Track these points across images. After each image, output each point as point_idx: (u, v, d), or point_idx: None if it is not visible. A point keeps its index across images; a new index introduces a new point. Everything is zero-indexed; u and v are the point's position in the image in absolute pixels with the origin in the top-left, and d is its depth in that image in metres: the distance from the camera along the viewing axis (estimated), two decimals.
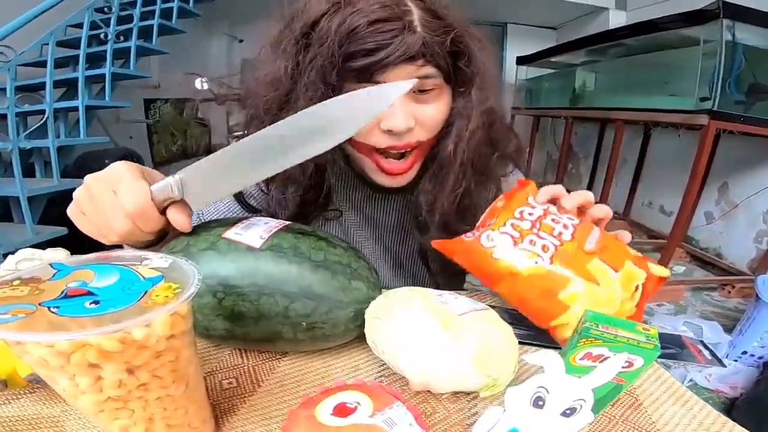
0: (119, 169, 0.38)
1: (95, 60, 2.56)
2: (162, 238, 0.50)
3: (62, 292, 0.27)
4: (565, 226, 0.49)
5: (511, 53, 4.38)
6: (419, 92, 0.50)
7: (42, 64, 2.16)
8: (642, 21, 2.39)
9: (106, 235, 0.40)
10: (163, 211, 0.40)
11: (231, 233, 0.43)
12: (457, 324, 0.39)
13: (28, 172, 2.14)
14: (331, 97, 0.46)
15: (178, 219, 0.39)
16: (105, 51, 2.46)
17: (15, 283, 0.28)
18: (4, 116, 2.15)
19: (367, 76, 0.47)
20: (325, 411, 0.32)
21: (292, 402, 0.41)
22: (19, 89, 2.01)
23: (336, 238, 0.48)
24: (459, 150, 0.52)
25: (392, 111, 0.48)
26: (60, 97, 2.56)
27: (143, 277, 0.29)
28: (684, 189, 2.09)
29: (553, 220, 0.50)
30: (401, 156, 0.54)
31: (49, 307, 0.26)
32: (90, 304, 0.26)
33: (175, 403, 0.31)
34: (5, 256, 1.65)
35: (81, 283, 0.29)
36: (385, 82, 0.47)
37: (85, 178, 0.39)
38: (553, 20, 4.43)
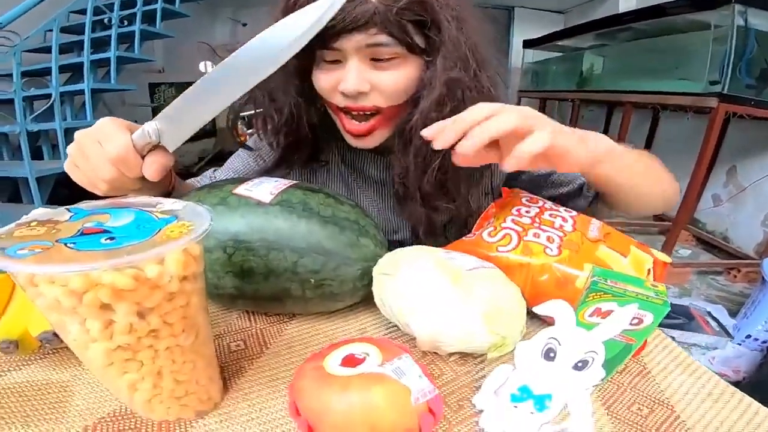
0: (104, 122, 0.42)
1: (99, 45, 2.54)
2: (167, 195, 0.54)
3: (78, 231, 0.28)
4: (564, 219, 0.50)
5: (519, 37, 4.32)
6: (376, 60, 0.51)
7: (46, 50, 2.17)
8: (652, 5, 2.35)
9: (96, 185, 0.43)
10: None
11: (241, 189, 0.43)
12: (466, 280, 0.39)
13: (36, 154, 2.18)
14: (298, 63, 0.52)
15: (148, 167, 0.42)
16: (109, 36, 2.47)
17: (32, 224, 0.29)
18: (11, 101, 2.19)
19: (323, 42, 0.49)
20: (334, 362, 0.32)
21: (299, 363, 0.41)
22: (24, 74, 2.03)
23: (343, 196, 0.48)
24: (423, 121, 0.51)
25: (346, 74, 0.51)
26: (65, 81, 2.56)
27: (158, 217, 0.30)
28: (691, 172, 2.07)
29: (551, 214, 0.51)
30: (363, 118, 0.55)
31: (65, 243, 0.26)
32: (105, 240, 0.27)
33: (184, 356, 0.31)
34: None
35: (97, 223, 0.29)
36: (340, 50, 0.50)
37: (75, 134, 0.43)
38: (562, 4, 4.35)
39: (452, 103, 0.51)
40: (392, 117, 0.56)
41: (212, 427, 0.34)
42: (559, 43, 3.47)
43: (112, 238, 0.27)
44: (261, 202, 0.42)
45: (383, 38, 0.49)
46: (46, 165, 2.19)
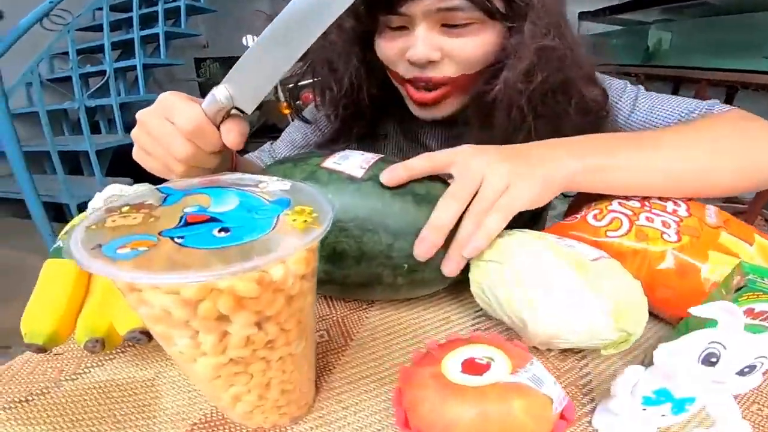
0: (167, 97, 0.38)
1: (146, 22, 2.57)
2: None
3: (181, 219, 0.23)
4: (676, 203, 0.44)
5: (573, 7, 4.05)
6: (448, 26, 0.46)
7: (95, 29, 2.23)
8: None
9: (171, 167, 0.39)
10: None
11: (329, 163, 0.39)
12: (592, 270, 0.34)
13: (94, 129, 2.28)
14: (360, 30, 0.49)
15: (227, 135, 0.37)
16: (155, 12, 2.49)
17: (124, 209, 0.24)
18: (68, 78, 2.25)
19: (388, 6, 0.45)
20: (454, 368, 0.28)
21: (386, 357, 0.39)
22: (78, 52, 2.10)
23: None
24: (507, 93, 0.47)
25: (414, 40, 0.46)
26: (117, 58, 2.62)
27: (267, 201, 0.25)
28: None
29: (660, 197, 0.44)
30: (432, 87, 0.51)
31: (172, 238, 0.21)
32: (219, 232, 0.22)
33: (294, 364, 0.28)
34: (79, 207, 1.77)
35: (198, 207, 0.24)
36: (408, 15, 0.45)
37: (136, 115, 0.39)
38: None
39: (543, 73, 0.45)
40: (464, 87, 0.51)
41: (321, 411, 0.33)
42: (620, 16, 3.27)
43: (225, 230, 0.22)
44: (353, 178, 0.38)
45: (458, 1, 0.44)
46: (104, 139, 2.28)
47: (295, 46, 0.35)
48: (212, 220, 0.23)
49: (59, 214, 2.18)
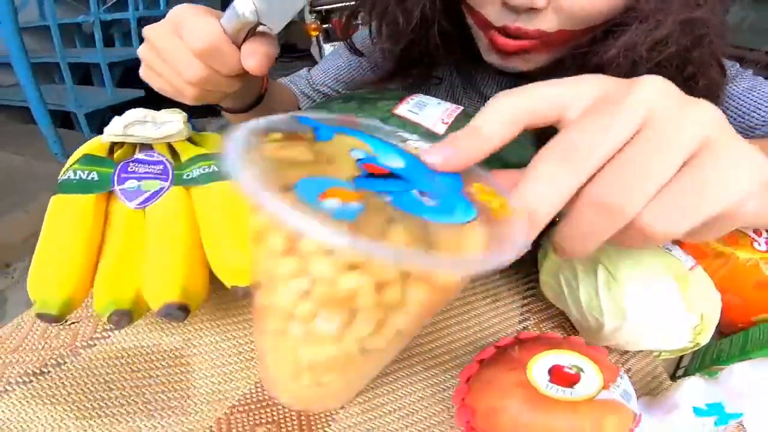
0: (179, 10, 0.32)
1: None
2: (260, 99, 0.46)
3: (360, 169, 0.17)
4: None
5: None
6: None
7: None
8: None
9: (182, 91, 0.34)
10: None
11: (403, 110, 0.32)
12: (691, 283, 0.30)
13: (108, 42, 2.26)
14: None
15: (248, 57, 0.31)
16: None
17: (275, 136, 0.18)
18: None
19: None
20: (541, 376, 0.24)
21: (434, 335, 0.35)
22: None
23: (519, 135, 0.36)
24: (627, 59, 0.38)
25: None
26: None
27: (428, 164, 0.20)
28: None
29: None
30: (519, 37, 0.41)
31: (376, 193, 0.16)
32: (420, 195, 0.17)
33: (390, 358, 0.27)
34: (86, 116, 1.75)
35: (367, 155, 0.19)
36: None
37: (143, 31, 0.33)
38: None
39: (676, 46, 0.37)
40: (557, 45, 0.42)
41: (355, 419, 0.29)
42: None
43: (428, 195, 0.17)
44: (433, 133, 0.31)
45: None
46: (117, 52, 2.27)
47: None
48: (394, 176, 0.18)
49: (66, 122, 2.17)
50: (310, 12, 2.11)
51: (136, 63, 0.36)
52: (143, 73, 0.36)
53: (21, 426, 0.27)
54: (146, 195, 0.32)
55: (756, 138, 0.34)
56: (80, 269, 0.28)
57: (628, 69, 0.38)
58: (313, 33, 2.13)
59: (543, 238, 0.34)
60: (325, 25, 2.08)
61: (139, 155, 0.34)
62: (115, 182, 0.32)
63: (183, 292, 0.27)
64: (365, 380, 0.29)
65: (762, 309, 0.37)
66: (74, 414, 0.27)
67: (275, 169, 0.15)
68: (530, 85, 0.20)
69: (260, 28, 0.31)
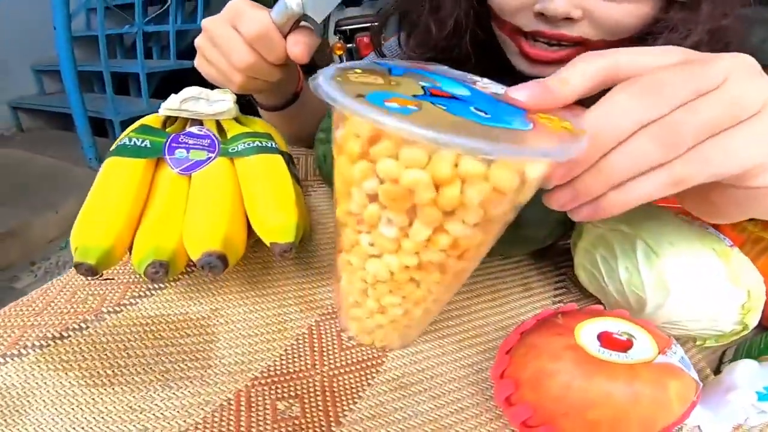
0: (234, 3, 0.36)
1: None
2: (295, 97, 0.49)
3: (425, 90, 0.20)
4: None
5: None
6: None
7: None
8: None
9: (230, 77, 0.37)
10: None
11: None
12: (733, 258, 0.30)
13: (147, 54, 2.29)
14: None
15: (293, 46, 0.35)
16: None
17: (357, 70, 0.21)
18: (125, 6, 2.26)
19: None
20: (590, 342, 0.23)
21: (464, 318, 0.35)
22: None
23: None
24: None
25: None
26: None
27: (498, 100, 0.21)
28: None
29: None
30: (558, 46, 0.42)
31: (432, 103, 0.18)
32: (476, 110, 0.18)
33: (458, 283, 0.27)
34: (122, 123, 1.82)
35: (433, 85, 0.21)
36: None
37: (202, 22, 0.37)
38: None
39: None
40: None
41: (382, 397, 0.28)
42: None
43: (484, 111, 0.18)
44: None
45: None
46: (155, 63, 2.33)
47: None
48: (457, 98, 0.20)
49: (101, 130, 2.26)
50: (335, 33, 2.18)
51: (170, 74, 0.40)
52: (197, 62, 0.39)
53: (25, 392, 0.25)
54: (192, 162, 0.34)
55: None
56: (124, 223, 0.29)
57: None
58: (338, 52, 2.18)
59: (576, 223, 0.34)
60: (348, 45, 2.14)
61: (190, 129, 0.36)
62: (166, 150, 0.34)
63: (224, 243, 0.28)
64: (421, 315, 0.28)
65: None
66: (85, 381, 0.26)
67: (354, 87, 0.18)
68: (617, 49, 0.21)
69: (302, 23, 0.34)
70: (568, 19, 0.38)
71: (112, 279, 0.33)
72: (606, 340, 0.24)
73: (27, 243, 1.54)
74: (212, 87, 0.39)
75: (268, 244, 0.30)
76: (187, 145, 0.35)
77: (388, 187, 0.19)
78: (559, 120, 0.19)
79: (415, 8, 0.49)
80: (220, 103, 0.37)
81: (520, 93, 0.20)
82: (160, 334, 0.30)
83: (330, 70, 0.20)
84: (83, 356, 0.28)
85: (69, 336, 0.29)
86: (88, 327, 0.29)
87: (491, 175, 0.17)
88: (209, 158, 0.34)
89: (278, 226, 0.29)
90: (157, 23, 2.30)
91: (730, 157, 0.19)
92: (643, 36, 0.39)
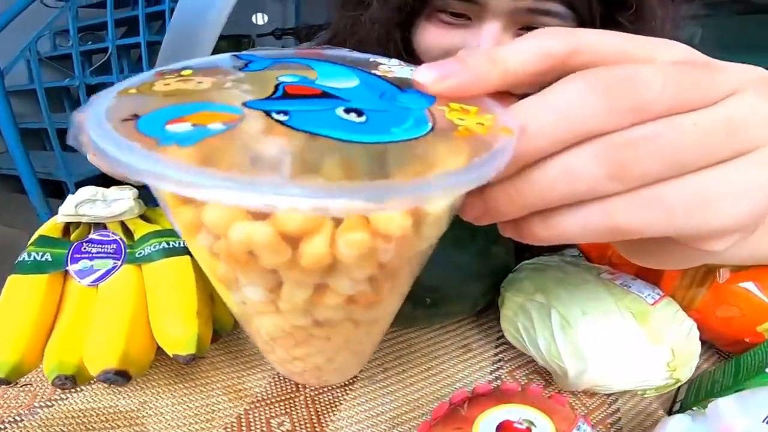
0: None
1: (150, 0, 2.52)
2: None
3: (277, 89, 0.14)
4: None
5: None
6: (528, 29, 0.35)
7: (101, 5, 2.15)
8: None
9: None
10: None
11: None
12: (654, 319, 0.30)
13: None
14: (406, 9, 0.37)
15: None
16: None
17: (184, 72, 0.15)
18: (67, 56, 2.20)
19: None
20: None
21: (400, 392, 0.35)
22: (81, 29, 2.08)
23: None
24: None
25: (479, 39, 0.36)
26: (121, 35, 2.55)
27: (401, 87, 0.15)
28: None
29: None
30: None
31: (267, 112, 0.12)
32: (347, 113, 0.13)
33: (381, 325, 0.24)
34: (76, 185, 1.76)
35: (301, 78, 0.15)
36: (481, 5, 0.34)
37: None
38: None
39: None
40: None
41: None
42: None
43: (357, 112, 0.13)
44: None
45: (558, 8, 0.34)
46: None
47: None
48: (327, 95, 0.14)
49: (57, 191, 2.16)
50: None
51: None
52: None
53: None
54: (99, 273, 0.33)
55: None
56: (31, 338, 0.30)
57: None
58: None
59: (504, 289, 0.34)
60: None
61: (93, 235, 0.35)
62: (68, 262, 0.33)
63: (122, 359, 0.29)
64: (351, 354, 0.26)
65: (764, 316, 0.34)
66: None
67: (136, 103, 0.13)
68: (594, 30, 0.15)
69: None
70: None
71: (29, 385, 0.34)
72: (505, 430, 0.24)
73: None
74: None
75: (171, 355, 0.30)
76: (90, 255, 0.34)
77: (222, 245, 0.14)
78: (476, 112, 0.14)
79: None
80: (119, 202, 0.35)
81: (425, 73, 0.14)
82: (91, 426, 0.31)
83: (135, 78, 0.14)
84: None
85: (5, 429, 0.31)
86: (22, 420, 0.31)
87: (370, 219, 0.13)
88: (115, 267, 0.33)
89: (178, 338, 0.30)
90: (102, 74, 2.23)
91: (706, 212, 0.13)
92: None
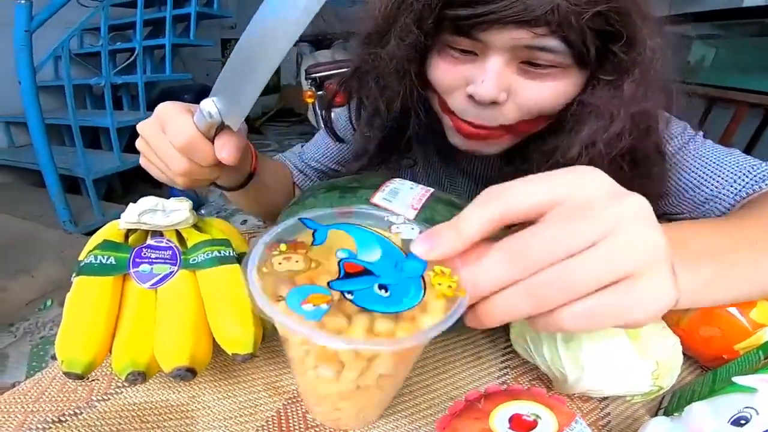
0: (163, 108, 0.37)
1: (177, 2, 2.57)
2: (249, 177, 0.50)
3: (339, 267, 0.23)
4: None
5: None
6: (529, 64, 0.39)
7: (130, 5, 2.20)
8: None
9: (173, 179, 0.39)
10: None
11: (379, 198, 0.37)
12: (642, 335, 0.35)
13: (116, 104, 2.28)
14: (421, 47, 0.42)
15: (221, 150, 0.36)
16: None
17: (282, 248, 0.25)
18: (92, 54, 2.25)
19: (465, 29, 0.38)
20: (501, 424, 0.28)
21: (417, 392, 0.39)
22: (110, 28, 2.08)
23: None
24: (587, 156, 0.41)
25: (483, 75, 0.40)
26: (146, 36, 2.61)
27: (405, 253, 0.25)
28: None
29: None
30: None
31: (342, 293, 0.22)
32: (379, 289, 0.23)
33: (394, 388, 0.33)
34: (95, 182, 1.78)
35: (349, 254, 0.25)
36: (482, 42, 0.38)
37: (137, 127, 0.39)
38: None
39: (631, 138, 0.40)
40: (520, 132, 0.46)
41: None
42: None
43: (384, 288, 0.23)
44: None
45: (553, 43, 0.37)
46: (126, 116, 2.30)
47: (272, 56, 0.31)
48: (367, 272, 0.23)
49: (74, 186, 2.21)
50: (306, 78, 2.22)
51: None
52: (142, 162, 0.41)
53: None
54: (157, 278, 0.37)
55: (693, 222, 0.35)
56: (101, 337, 0.33)
57: (587, 164, 0.39)
58: (309, 100, 2.22)
59: None
60: (320, 92, 2.18)
61: (150, 241, 0.39)
62: (130, 266, 0.37)
63: (191, 358, 0.32)
64: (374, 406, 0.34)
65: (741, 336, 0.38)
66: None
67: (276, 282, 0.22)
68: (522, 180, 0.23)
69: (226, 124, 0.35)
70: (494, 103, 0.41)
71: (96, 380, 0.37)
72: (516, 422, 0.28)
73: (4, 306, 1.52)
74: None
75: (230, 354, 0.33)
76: (149, 260, 0.37)
77: (318, 350, 0.25)
78: (449, 276, 0.23)
79: (363, 89, 0.50)
80: (177, 213, 0.39)
81: (419, 248, 0.23)
82: (146, 419, 0.34)
83: (255, 257, 0.23)
84: None
85: (66, 420, 0.33)
86: (81, 413, 0.34)
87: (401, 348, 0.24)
88: (172, 272, 0.37)
89: (237, 339, 0.33)
90: (126, 73, 2.28)
91: (593, 321, 0.21)
92: (566, 118, 0.42)
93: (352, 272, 0.23)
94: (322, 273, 0.23)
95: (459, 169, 0.62)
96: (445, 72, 0.43)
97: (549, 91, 0.40)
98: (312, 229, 0.26)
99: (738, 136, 2.37)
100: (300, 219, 0.27)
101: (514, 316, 0.22)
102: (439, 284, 0.22)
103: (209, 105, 0.34)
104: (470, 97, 0.42)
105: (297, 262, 0.24)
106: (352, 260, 0.24)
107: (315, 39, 2.90)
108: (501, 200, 0.22)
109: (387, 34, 0.43)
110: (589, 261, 0.20)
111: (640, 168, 0.44)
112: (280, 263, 0.23)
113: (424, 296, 0.22)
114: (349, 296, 0.22)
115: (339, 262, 0.24)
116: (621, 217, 0.20)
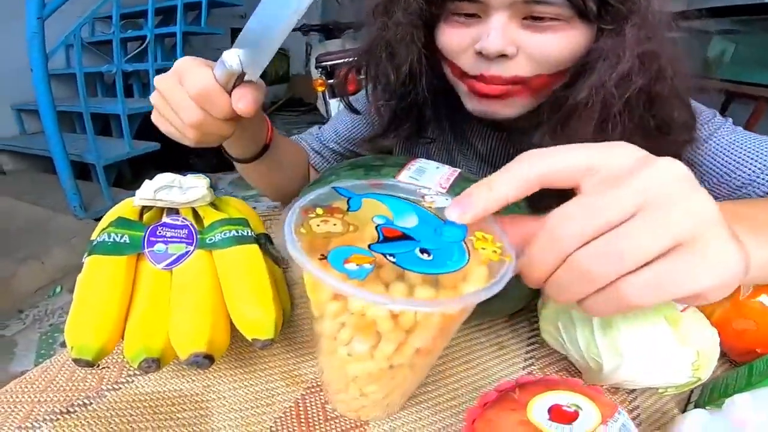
0: (182, 61, 0.37)
1: None
2: (264, 149, 0.50)
3: (378, 231, 0.22)
4: None
5: None
6: (531, 19, 0.40)
7: None
8: None
9: (184, 132, 0.38)
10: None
11: (405, 176, 0.35)
12: (683, 323, 0.33)
13: (127, 92, 2.28)
14: (427, 13, 0.44)
15: (238, 101, 0.35)
16: None
17: (318, 211, 0.24)
18: (103, 42, 2.25)
19: None
20: (541, 415, 0.26)
21: (441, 382, 0.37)
22: (121, 16, 2.08)
23: None
24: (598, 98, 0.41)
25: (488, 30, 0.41)
26: (157, 24, 2.61)
27: (443, 220, 0.24)
28: None
29: None
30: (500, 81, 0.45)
31: (384, 255, 0.21)
32: (421, 253, 0.21)
33: (424, 371, 0.32)
34: (105, 168, 1.79)
35: (386, 219, 0.24)
36: (482, 2, 0.40)
37: (153, 80, 0.38)
38: None
39: (641, 79, 0.40)
40: (537, 90, 0.45)
41: None
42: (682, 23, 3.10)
43: (426, 252, 0.22)
44: None
45: None
46: (136, 103, 2.29)
47: (295, 8, 0.30)
48: (405, 237, 0.23)
49: (84, 173, 2.22)
50: (316, 67, 2.21)
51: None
52: (154, 117, 0.40)
53: None
54: (173, 258, 0.35)
55: (741, 200, 0.34)
56: (113, 321, 0.31)
57: (601, 109, 0.41)
58: (319, 89, 2.21)
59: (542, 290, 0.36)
60: (330, 81, 2.17)
61: (166, 219, 0.37)
62: (145, 245, 0.35)
63: (209, 344, 0.30)
64: (401, 394, 0.32)
65: None
66: None
67: (316, 242, 0.21)
68: (557, 148, 0.22)
69: (247, 77, 0.34)
70: (504, 56, 0.42)
71: (106, 368, 0.36)
72: (555, 412, 0.26)
73: (14, 292, 1.53)
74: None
75: (250, 339, 0.31)
76: (165, 239, 0.36)
77: (356, 319, 0.23)
78: (492, 240, 0.22)
79: (374, 58, 0.51)
80: (194, 190, 0.38)
81: (453, 213, 0.23)
82: (158, 410, 0.32)
83: (292, 218, 0.22)
84: (92, 429, 0.31)
85: (75, 411, 0.32)
86: (91, 403, 0.33)
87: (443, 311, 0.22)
88: (188, 252, 0.35)
89: (257, 322, 0.31)
90: (136, 61, 2.29)
91: (658, 292, 0.20)
92: (579, 69, 0.42)
93: (391, 236, 0.22)
94: (361, 237, 0.22)
95: (475, 152, 0.61)
96: (452, 36, 0.44)
97: (555, 41, 0.41)
98: (346, 197, 0.25)
99: (757, 131, 2.33)
100: (333, 187, 0.25)
101: (574, 297, 0.22)
102: (483, 249, 0.22)
103: (231, 55, 0.33)
104: (479, 54, 0.43)
105: (335, 225, 0.22)
106: (390, 226, 0.23)
107: (325, 28, 2.89)
108: (539, 161, 0.22)
109: (392, 4, 0.46)
110: (636, 227, 0.19)
111: (658, 110, 0.43)
112: (318, 225, 0.22)
113: (468, 260, 0.21)
114: (391, 258, 0.20)
115: (377, 228, 0.22)
116: (661, 180, 0.20)
